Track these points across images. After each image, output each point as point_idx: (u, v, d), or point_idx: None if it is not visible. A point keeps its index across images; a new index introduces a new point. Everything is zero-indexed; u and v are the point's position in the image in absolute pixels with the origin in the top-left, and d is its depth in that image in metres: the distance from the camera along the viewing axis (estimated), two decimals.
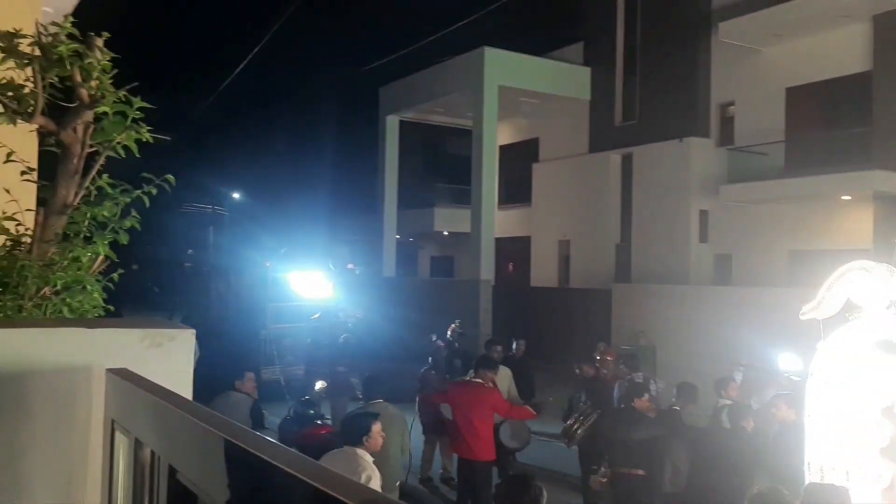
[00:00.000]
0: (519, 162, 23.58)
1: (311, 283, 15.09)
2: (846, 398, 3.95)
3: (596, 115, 21.46)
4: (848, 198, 15.50)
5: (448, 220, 24.87)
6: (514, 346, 11.00)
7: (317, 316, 14.24)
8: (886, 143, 14.74)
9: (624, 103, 20.83)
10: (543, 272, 22.26)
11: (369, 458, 5.19)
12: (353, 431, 5.27)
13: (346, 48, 31.66)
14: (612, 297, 17.16)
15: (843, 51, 15.74)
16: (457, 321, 13.30)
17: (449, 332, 12.85)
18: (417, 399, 9.61)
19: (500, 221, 22.08)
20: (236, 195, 35.40)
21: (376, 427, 5.26)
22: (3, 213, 3.29)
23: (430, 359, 10.67)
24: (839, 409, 3.96)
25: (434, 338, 12.17)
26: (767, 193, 16.37)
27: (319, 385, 10.04)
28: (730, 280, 17.34)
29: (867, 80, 15.38)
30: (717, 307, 13.93)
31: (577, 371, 9.43)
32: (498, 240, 21.19)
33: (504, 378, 9.26)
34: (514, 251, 23.68)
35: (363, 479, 5.01)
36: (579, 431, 7.56)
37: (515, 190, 23.53)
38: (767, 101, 17.18)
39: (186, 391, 2.15)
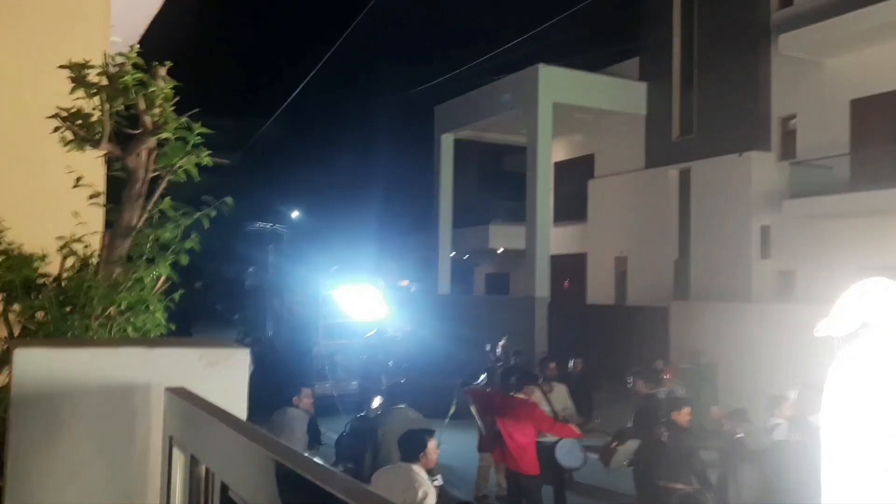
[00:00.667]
0: (574, 178, 23.44)
1: (361, 300, 15.27)
2: (862, 412, 3.86)
3: (652, 130, 21.21)
4: None
5: (503, 237, 24.84)
6: (571, 363, 10.90)
7: (372, 333, 14.38)
8: None
9: (681, 118, 20.54)
10: (600, 289, 22.01)
11: (425, 475, 5.22)
12: (409, 448, 5.31)
13: (404, 67, 32.06)
14: (671, 315, 16.84)
15: None
16: (504, 337, 13.25)
17: (498, 349, 12.82)
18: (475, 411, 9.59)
19: (556, 238, 21.95)
20: (295, 214, 36.08)
21: (432, 443, 5.29)
22: (73, 235, 3.44)
23: (485, 374, 10.65)
24: (856, 424, 3.87)
25: (489, 348, 12.17)
26: (833, 208, 15.89)
27: (377, 401, 10.12)
28: (793, 297, 16.84)
29: None
30: (780, 325, 13.53)
31: (630, 385, 9.31)
32: (553, 257, 21.06)
33: (560, 395, 9.21)
34: (569, 268, 23.49)
35: (420, 496, 5.05)
36: (618, 451, 7.46)
37: (571, 206, 23.38)
38: (830, 113, 16.71)
39: (241, 409, 2.21)
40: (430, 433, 5.45)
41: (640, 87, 21.38)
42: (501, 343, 12.98)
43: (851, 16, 15.28)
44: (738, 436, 6.80)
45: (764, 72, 18.14)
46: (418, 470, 5.21)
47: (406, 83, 31.05)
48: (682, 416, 6.86)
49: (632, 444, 7.39)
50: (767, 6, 18.18)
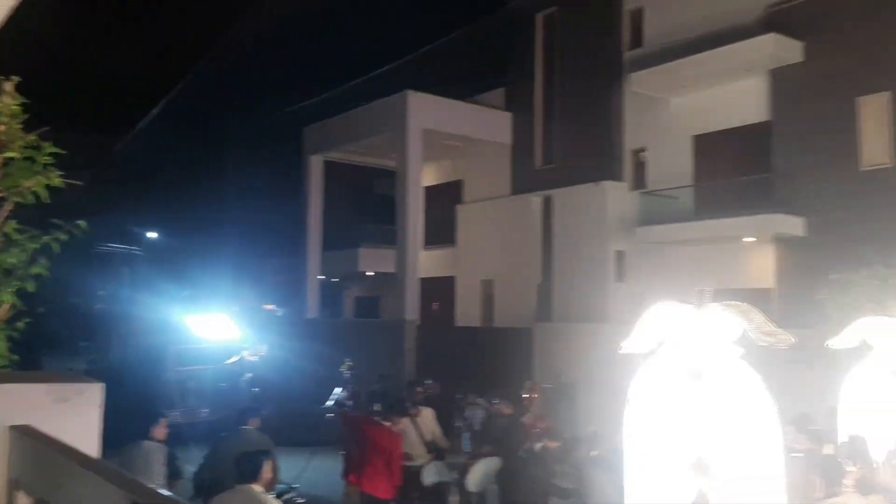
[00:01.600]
0: (443, 203, 23.90)
1: (214, 326, 14.86)
2: (660, 421, 4.39)
3: (517, 158, 22.04)
4: (751, 239, 16.33)
5: (373, 260, 24.87)
6: (422, 387, 11.02)
7: (235, 359, 13.97)
8: (785, 189, 15.67)
9: (543, 147, 21.48)
10: (468, 312, 22.47)
11: (266, 495, 5.29)
12: (247, 469, 5.39)
13: (271, 88, 31.54)
14: (534, 336, 17.45)
15: (744, 101, 16.74)
16: (347, 360, 13.16)
17: (346, 371, 12.75)
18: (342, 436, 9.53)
19: (425, 262, 22.24)
20: (153, 235, 34.42)
21: (269, 464, 5.45)
22: None
23: (341, 393, 10.61)
24: (655, 432, 4.40)
25: (344, 367, 12.10)
26: (677, 235, 17.09)
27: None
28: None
29: (767, 130, 16.36)
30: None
31: (495, 404, 9.57)
32: (423, 280, 21.32)
33: (427, 419, 9.32)
34: (438, 291, 23.83)
35: None
36: (474, 468, 7.68)
37: (440, 230, 23.79)
38: (676, 147, 18.05)
39: (94, 446, 2.14)
40: (267, 454, 5.61)
41: (506, 117, 22.20)
42: (347, 365, 12.94)
43: (693, 59, 16.63)
44: (593, 454, 7.16)
45: (617, 107, 19.34)
46: (258, 489, 5.27)
47: (273, 104, 30.60)
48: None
49: (490, 462, 7.60)
50: (620, 46, 19.44)
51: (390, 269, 21.48)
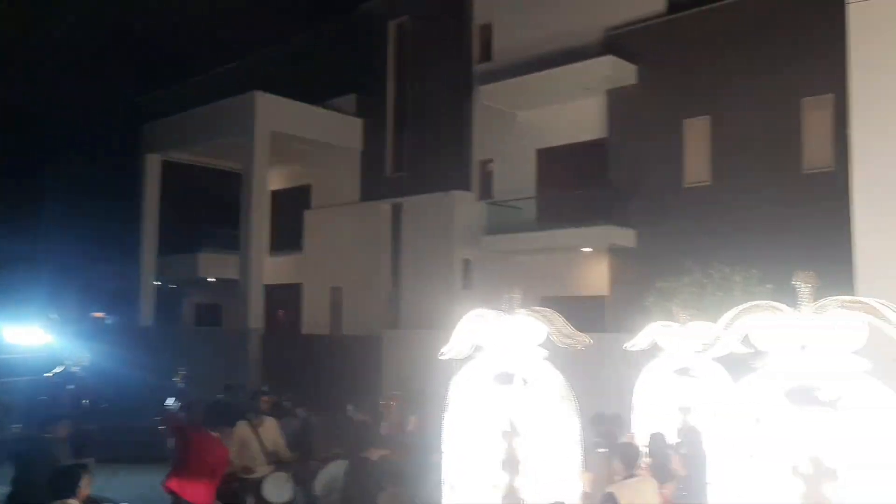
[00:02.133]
0: (291, 208, 23.38)
1: (23, 336, 13.76)
2: (475, 422, 4.78)
3: (368, 165, 21.99)
4: (589, 250, 17.23)
5: (215, 265, 23.87)
6: (253, 397, 10.72)
7: (57, 370, 12.88)
8: (619, 203, 16.66)
9: (394, 155, 21.59)
10: (315, 320, 22.08)
11: None
12: (62, 485, 5.36)
13: (107, 81, 29.55)
14: (383, 344, 17.44)
15: (584, 119, 17.66)
16: (181, 369, 12.59)
17: (179, 380, 12.18)
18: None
19: (271, 268, 21.65)
20: None
21: (86, 479, 5.48)
22: None
23: (173, 399, 10.09)
24: (470, 433, 4.78)
25: (177, 377, 11.54)
26: (520, 245, 17.72)
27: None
28: None
29: (604, 146, 17.35)
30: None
31: (349, 413, 9.48)
32: (268, 287, 20.72)
33: (270, 429, 9.03)
34: (284, 299, 23.26)
35: None
36: (319, 473, 7.60)
37: (287, 236, 23.25)
38: (522, 159, 18.73)
39: None
40: (84, 467, 5.69)
41: (357, 123, 22.09)
42: (180, 374, 12.36)
43: (537, 76, 17.35)
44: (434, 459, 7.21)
45: (467, 118, 19.81)
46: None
47: (109, 99, 28.70)
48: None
49: (336, 467, 7.50)
50: (471, 59, 19.94)
51: (233, 275, 20.71)
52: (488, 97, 18.76)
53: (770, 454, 3.53)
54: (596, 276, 17.36)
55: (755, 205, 14.58)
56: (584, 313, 16.63)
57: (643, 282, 13.29)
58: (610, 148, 17.26)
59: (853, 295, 9.95)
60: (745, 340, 3.90)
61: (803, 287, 3.61)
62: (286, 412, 10.46)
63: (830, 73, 13.06)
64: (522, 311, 4.80)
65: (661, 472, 6.13)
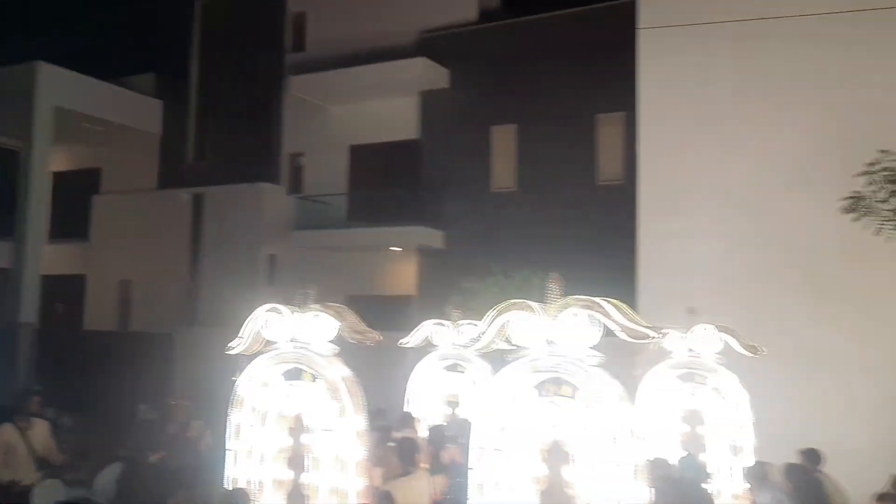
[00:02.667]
0: (76, 192, 21.29)
1: None
2: (262, 419, 4.94)
3: (167, 150, 20.61)
4: (398, 249, 17.33)
5: None
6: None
7: None
8: (429, 204, 16.92)
9: (196, 142, 20.41)
10: (101, 315, 20.27)
11: None
12: None
13: None
14: (176, 341, 16.39)
15: (397, 118, 17.74)
16: None
17: None
18: None
19: (50, 257, 19.58)
20: None
21: None
22: None
23: None
24: (261, 431, 4.92)
25: None
26: (330, 241, 17.46)
27: None
28: None
29: (417, 147, 17.54)
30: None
31: (142, 414, 8.86)
32: (45, 278, 18.71)
33: (41, 433, 8.14)
34: (65, 291, 21.13)
35: None
36: (101, 474, 7.04)
37: (69, 223, 21.14)
38: (333, 155, 18.44)
39: None
40: None
41: (156, 105, 20.62)
42: None
43: (350, 71, 17.20)
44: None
45: (277, 108, 19.18)
46: None
47: None
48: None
49: (114, 469, 6.94)
50: (283, 47, 19.33)
51: (6, 263, 18.48)
52: (300, 89, 18.29)
53: (519, 440, 3.94)
54: (404, 275, 17.49)
55: (555, 212, 15.40)
56: (392, 312, 16.71)
57: (449, 282, 13.55)
58: (422, 149, 17.48)
59: (634, 297, 10.71)
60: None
61: (552, 288, 3.99)
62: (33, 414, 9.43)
63: (622, 93, 14.07)
64: (315, 306, 4.80)
65: (436, 463, 6.33)
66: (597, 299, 3.99)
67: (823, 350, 10.66)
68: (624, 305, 3.92)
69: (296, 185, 19.02)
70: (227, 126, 19.68)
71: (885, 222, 9.27)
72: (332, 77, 17.56)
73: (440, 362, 8.13)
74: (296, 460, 4.91)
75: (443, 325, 7.96)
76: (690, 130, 12.29)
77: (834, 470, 7.14)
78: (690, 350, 6.92)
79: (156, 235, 19.66)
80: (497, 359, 4.74)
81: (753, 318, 11.33)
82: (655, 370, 6.98)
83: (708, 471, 6.76)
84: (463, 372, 8.18)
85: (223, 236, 18.70)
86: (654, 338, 3.90)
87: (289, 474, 4.92)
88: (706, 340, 6.87)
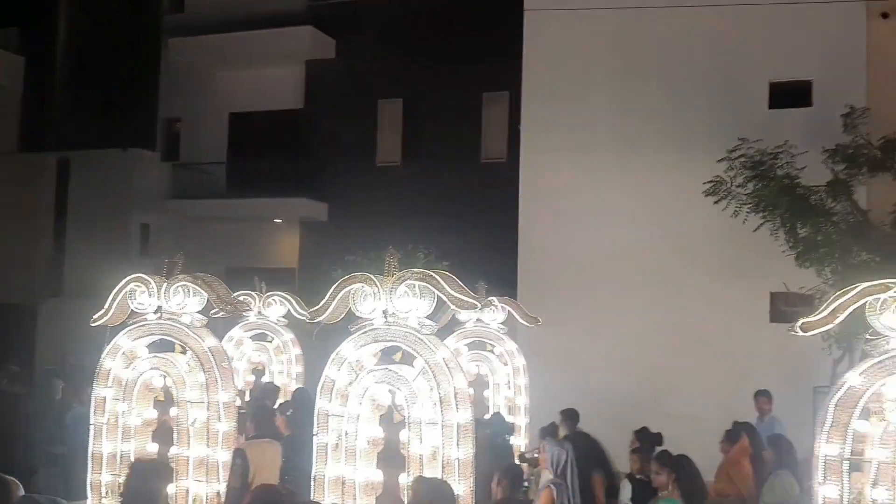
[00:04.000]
0: None
1: None
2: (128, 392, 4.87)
3: (29, 110, 19.19)
4: (280, 221, 17.00)
5: None
6: None
7: None
8: (312, 176, 16.65)
9: (63, 103, 19.10)
10: None
11: None
12: None
13: None
14: (40, 314, 15.45)
15: (282, 86, 17.27)
16: None
17: None
18: None
19: None
20: None
21: None
22: None
23: None
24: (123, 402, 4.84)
25: None
26: (208, 212, 16.90)
27: None
28: None
29: (302, 117, 17.16)
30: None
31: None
32: None
33: None
34: None
35: None
36: None
37: None
38: (213, 122, 17.77)
39: None
40: None
41: (17, 61, 19.11)
42: None
43: (233, 36, 16.59)
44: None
45: (153, 71, 18.23)
46: None
47: None
48: None
49: None
50: (160, 6, 18.37)
51: None
52: (179, 52, 17.49)
53: (359, 406, 4.14)
54: (286, 247, 17.19)
55: (440, 188, 15.51)
56: (274, 285, 16.33)
57: (333, 255, 13.44)
58: (306, 119, 17.14)
59: (515, 272, 11.02)
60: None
61: (390, 260, 4.21)
62: None
63: (507, 73, 14.31)
64: (183, 277, 4.76)
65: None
66: (429, 271, 4.23)
67: (686, 328, 11.37)
68: (453, 277, 4.16)
69: (172, 153, 18.22)
70: (97, 87, 18.51)
71: (742, 205, 9.96)
72: (214, 41, 16.88)
73: (247, 332, 8.30)
74: (163, 433, 4.88)
75: (252, 295, 8.15)
76: (571, 112, 12.70)
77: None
78: (479, 320, 7.53)
79: (15, 200, 18.31)
80: (323, 330, 4.91)
81: (625, 295, 11.96)
82: (449, 340, 7.39)
83: (512, 428, 7.52)
84: (270, 341, 8.48)
85: (91, 204, 17.66)
86: (480, 307, 4.26)
87: (154, 448, 4.89)
88: (497, 311, 7.55)
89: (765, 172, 9.78)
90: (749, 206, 9.89)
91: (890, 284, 3.59)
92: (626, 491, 6.33)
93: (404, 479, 4.07)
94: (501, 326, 7.65)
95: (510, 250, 12.93)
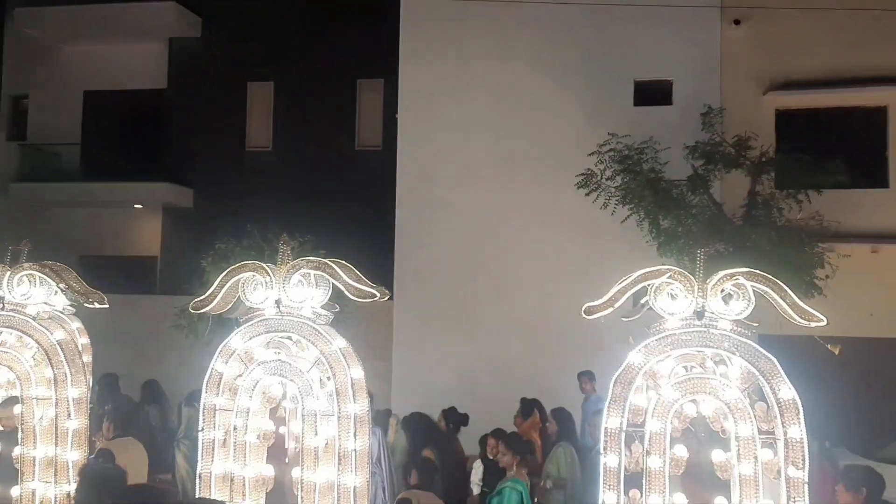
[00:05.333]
0: None
1: None
2: None
3: None
4: (140, 207, 16.09)
5: None
6: None
7: None
8: (176, 159, 15.84)
9: None
10: None
11: None
12: None
13: None
14: None
15: (144, 65, 16.28)
16: None
17: None
18: None
19: None
20: None
21: None
22: None
23: None
24: None
25: None
26: (59, 196, 15.75)
27: None
28: None
29: (163, 97, 16.26)
30: None
31: None
32: None
33: None
34: None
35: None
36: None
37: None
38: (65, 100, 16.49)
39: None
40: None
41: None
42: None
43: (86, 8, 15.48)
44: None
45: None
46: None
47: None
48: None
49: None
50: None
51: None
52: (25, 23, 16.07)
53: (250, 399, 4.05)
54: (147, 235, 16.30)
55: (313, 174, 15.19)
56: (133, 274, 15.49)
57: (199, 242, 12.87)
58: (170, 100, 16.28)
59: (392, 262, 11.01)
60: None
61: (283, 248, 4.11)
62: None
63: (383, 60, 14.20)
64: (29, 265, 4.55)
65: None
66: (326, 260, 4.13)
67: (558, 316, 11.74)
68: (351, 267, 4.08)
69: (19, 132, 16.78)
70: None
71: (610, 198, 10.41)
72: (65, 13, 15.66)
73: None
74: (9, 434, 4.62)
75: None
76: (448, 102, 12.78)
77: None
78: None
79: None
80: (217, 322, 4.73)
81: (499, 285, 12.20)
82: None
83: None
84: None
85: None
86: (378, 297, 4.08)
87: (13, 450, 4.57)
88: None
89: (631, 167, 10.25)
90: (617, 198, 10.34)
91: (664, 270, 3.94)
92: (478, 472, 6.59)
93: (296, 474, 3.94)
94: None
95: (387, 239, 12.88)
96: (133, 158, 15.91)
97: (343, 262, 4.08)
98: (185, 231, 15.67)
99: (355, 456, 3.81)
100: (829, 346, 5.09)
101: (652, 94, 12.19)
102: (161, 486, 4.84)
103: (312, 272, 4.03)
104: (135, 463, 5.52)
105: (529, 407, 7.87)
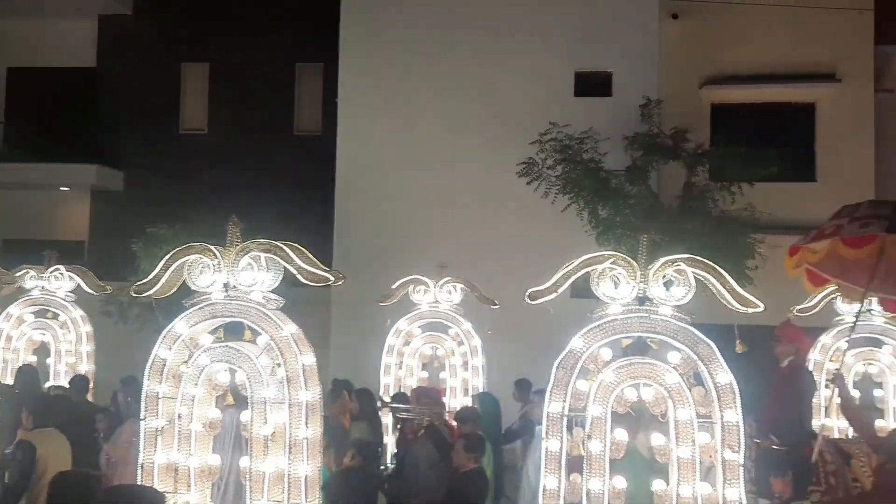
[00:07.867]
0: None
1: None
2: None
3: None
4: (67, 189, 15.48)
5: None
6: None
7: None
8: (106, 141, 15.27)
9: None
10: None
11: None
12: None
13: None
14: None
15: (72, 42, 15.60)
16: None
17: None
18: None
19: None
20: None
21: None
22: None
23: None
24: None
25: None
26: None
27: None
28: None
29: (92, 76, 15.63)
30: None
31: None
32: None
33: None
34: None
35: None
36: None
37: None
38: None
39: None
40: None
41: None
42: None
43: None
44: None
45: None
46: None
47: None
48: None
49: None
50: None
51: None
52: None
53: (193, 387, 3.92)
54: (75, 218, 15.70)
55: (251, 158, 14.84)
56: (60, 259, 14.82)
57: (130, 227, 12.49)
58: (99, 79, 15.67)
59: (331, 248, 10.92)
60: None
61: (232, 230, 3.99)
62: None
63: (323, 44, 13.97)
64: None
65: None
66: (277, 242, 3.98)
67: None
68: (303, 249, 3.96)
69: None
70: None
71: (551, 187, 10.52)
72: None
73: (27, 308, 7.80)
74: None
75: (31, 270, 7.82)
76: (390, 87, 12.67)
77: None
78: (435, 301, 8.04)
79: None
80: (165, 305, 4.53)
81: (443, 273, 12.18)
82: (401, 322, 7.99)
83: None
84: (57, 317, 7.92)
85: None
86: (333, 282, 3.96)
87: None
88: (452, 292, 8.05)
89: (572, 157, 10.37)
90: (558, 187, 10.45)
91: (608, 255, 4.04)
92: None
93: (245, 463, 3.84)
94: (458, 307, 8.04)
95: (326, 225, 12.73)
96: (60, 139, 15.25)
97: (295, 244, 3.95)
98: (115, 215, 15.11)
99: (307, 444, 3.75)
100: (738, 341, 5.21)
101: (592, 85, 12.34)
102: (94, 474, 4.64)
103: (263, 255, 3.89)
104: (62, 454, 5.33)
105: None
